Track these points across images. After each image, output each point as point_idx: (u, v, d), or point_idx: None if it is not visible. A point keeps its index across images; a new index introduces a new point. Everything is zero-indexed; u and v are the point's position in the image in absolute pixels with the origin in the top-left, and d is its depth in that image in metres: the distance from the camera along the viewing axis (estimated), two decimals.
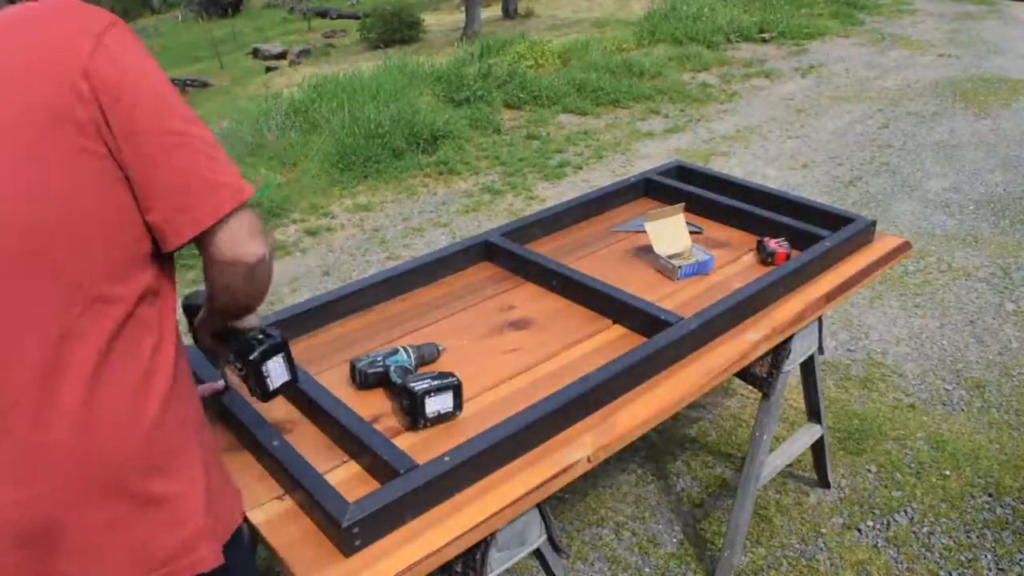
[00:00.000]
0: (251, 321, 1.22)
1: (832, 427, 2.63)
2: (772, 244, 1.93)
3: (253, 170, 5.16)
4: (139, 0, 27.94)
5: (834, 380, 2.91)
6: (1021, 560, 2.11)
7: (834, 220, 2.04)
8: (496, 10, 16.34)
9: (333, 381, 1.52)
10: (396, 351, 1.55)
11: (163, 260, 1.05)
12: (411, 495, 1.19)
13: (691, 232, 2.03)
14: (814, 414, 2.23)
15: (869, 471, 2.46)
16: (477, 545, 1.26)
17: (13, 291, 0.92)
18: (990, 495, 2.34)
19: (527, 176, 5.27)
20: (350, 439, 1.34)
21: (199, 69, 15.33)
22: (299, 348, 1.68)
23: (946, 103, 6.48)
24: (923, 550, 2.16)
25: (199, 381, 1.33)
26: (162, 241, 0.99)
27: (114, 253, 0.96)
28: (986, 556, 2.13)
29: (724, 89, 7.24)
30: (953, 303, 3.41)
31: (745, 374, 1.90)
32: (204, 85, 13.17)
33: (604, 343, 1.67)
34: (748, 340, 1.65)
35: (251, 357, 1.18)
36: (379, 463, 1.27)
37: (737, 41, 9.11)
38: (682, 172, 2.48)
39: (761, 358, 1.82)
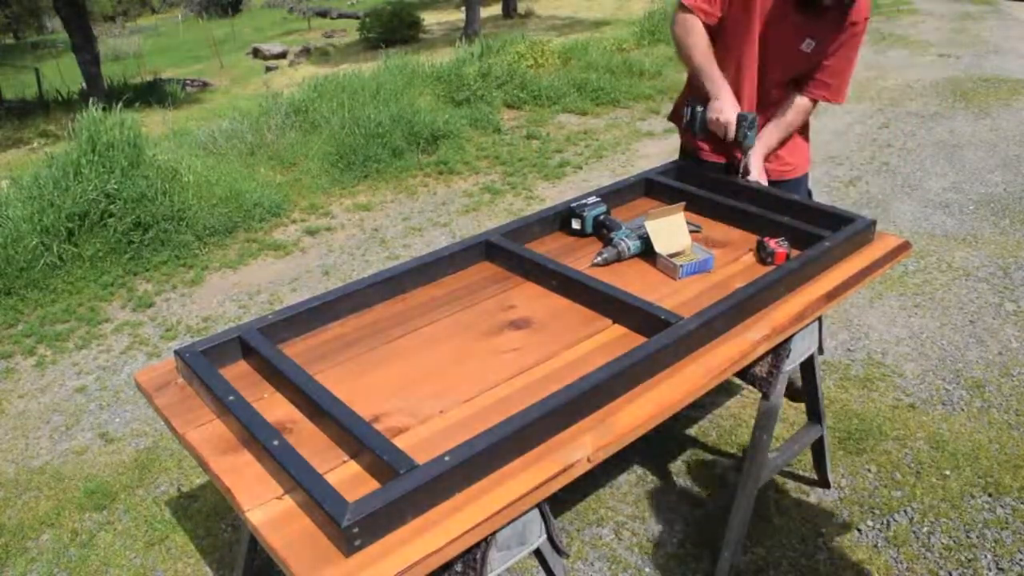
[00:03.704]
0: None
1: (832, 427, 2.63)
2: (772, 244, 1.93)
3: (253, 170, 5.16)
4: (139, 0, 27.95)
5: (834, 380, 2.91)
6: (1021, 560, 2.11)
7: (834, 220, 2.04)
8: (496, 10, 16.35)
9: (333, 381, 1.52)
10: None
11: None
12: (411, 495, 1.19)
13: (690, 231, 2.03)
14: (814, 414, 2.23)
15: (869, 471, 2.46)
16: (477, 545, 1.26)
17: None
18: (990, 495, 2.34)
19: (527, 176, 5.27)
20: (350, 439, 1.34)
21: (199, 69, 15.34)
22: (299, 348, 1.68)
23: (946, 103, 6.48)
24: (923, 550, 2.16)
25: None
26: None
27: None
28: (986, 556, 2.13)
29: None
30: (953, 303, 3.41)
31: (745, 374, 1.90)
32: (204, 85, 13.18)
33: (604, 343, 1.67)
34: (748, 340, 1.65)
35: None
36: (379, 463, 1.27)
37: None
38: (682, 172, 2.47)
39: (761, 358, 1.82)
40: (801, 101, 2.26)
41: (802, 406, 2.40)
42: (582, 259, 2.01)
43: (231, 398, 1.43)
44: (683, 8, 2.19)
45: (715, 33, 2.24)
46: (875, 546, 2.18)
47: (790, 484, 2.42)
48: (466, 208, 4.79)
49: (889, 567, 2.11)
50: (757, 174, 2.27)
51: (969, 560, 2.12)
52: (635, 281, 1.87)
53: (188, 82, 13.05)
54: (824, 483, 2.39)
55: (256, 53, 15.92)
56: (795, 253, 1.94)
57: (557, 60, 7.84)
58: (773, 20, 2.14)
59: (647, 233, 1.97)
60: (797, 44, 2.15)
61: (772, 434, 1.99)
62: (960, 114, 6.16)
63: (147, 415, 2.92)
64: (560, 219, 2.18)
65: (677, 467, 2.53)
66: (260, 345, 1.60)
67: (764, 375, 1.88)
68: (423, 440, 1.38)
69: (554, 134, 6.13)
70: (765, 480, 2.06)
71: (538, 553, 1.46)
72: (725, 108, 2.17)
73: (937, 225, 4.20)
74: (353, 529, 1.13)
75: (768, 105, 2.29)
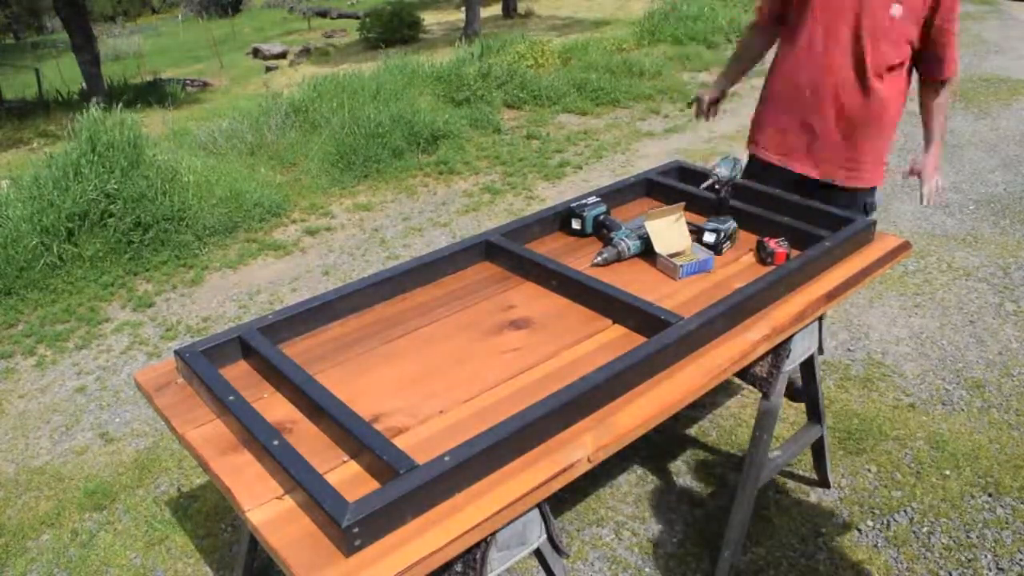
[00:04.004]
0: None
1: (832, 427, 2.63)
2: (772, 244, 1.93)
3: (253, 170, 5.16)
4: (139, 0, 27.95)
5: (834, 380, 2.91)
6: (1021, 560, 2.11)
7: (834, 220, 2.04)
8: (496, 10, 16.34)
9: (333, 381, 1.52)
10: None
11: None
12: (411, 495, 1.19)
13: (690, 231, 2.02)
14: (814, 414, 2.23)
15: (869, 471, 2.46)
16: (477, 545, 1.26)
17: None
18: (990, 495, 2.34)
19: (527, 176, 5.27)
20: (350, 439, 1.34)
21: (199, 69, 15.33)
22: (299, 348, 1.69)
23: None
24: (923, 550, 2.16)
25: None
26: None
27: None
28: (986, 556, 2.13)
29: None
30: (953, 303, 3.41)
31: (745, 374, 1.90)
32: (204, 85, 13.17)
33: (604, 343, 1.67)
34: (748, 340, 1.65)
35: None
36: (379, 463, 1.27)
37: (737, 41, 9.11)
38: (682, 172, 2.48)
39: (761, 358, 1.82)
40: (931, 97, 2.23)
41: (802, 406, 2.40)
42: (582, 259, 2.01)
43: (231, 398, 1.43)
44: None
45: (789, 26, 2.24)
46: (875, 546, 2.18)
47: (790, 484, 2.43)
48: (466, 208, 4.78)
49: (889, 567, 2.11)
50: (928, 193, 2.25)
51: (969, 560, 2.12)
52: (635, 281, 1.88)
53: (188, 82, 13.04)
54: (824, 483, 2.39)
55: (256, 53, 15.91)
56: (795, 253, 1.94)
57: (557, 60, 7.84)
58: None
59: (647, 233, 1.97)
60: (886, 10, 2.06)
61: (772, 434, 1.99)
62: (960, 114, 6.15)
63: (147, 415, 2.92)
64: (560, 219, 2.18)
65: (677, 467, 2.53)
66: (260, 345, 1.60)
67: (764, 375, 1.88)
68: (423, 440, 1.38)
69: (554, 134, 6.13)
70: (765, 480, 2.06)
71: (538, 553, 1.46)
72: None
73: (937, 225, 4.20)
74: (353, 529, 1.13)
75: (874, 102, 2.18)
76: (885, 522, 2.26)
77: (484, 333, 1.72)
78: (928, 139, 2.30)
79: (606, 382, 1.44)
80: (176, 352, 1.59)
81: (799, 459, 2.49)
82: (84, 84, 11.53)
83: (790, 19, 2.26)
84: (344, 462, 1.34)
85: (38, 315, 3.69)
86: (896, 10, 2.06)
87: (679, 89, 7.16)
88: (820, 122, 2.24)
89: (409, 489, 1.19)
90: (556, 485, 1.31)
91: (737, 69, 2.56)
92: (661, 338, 1.56)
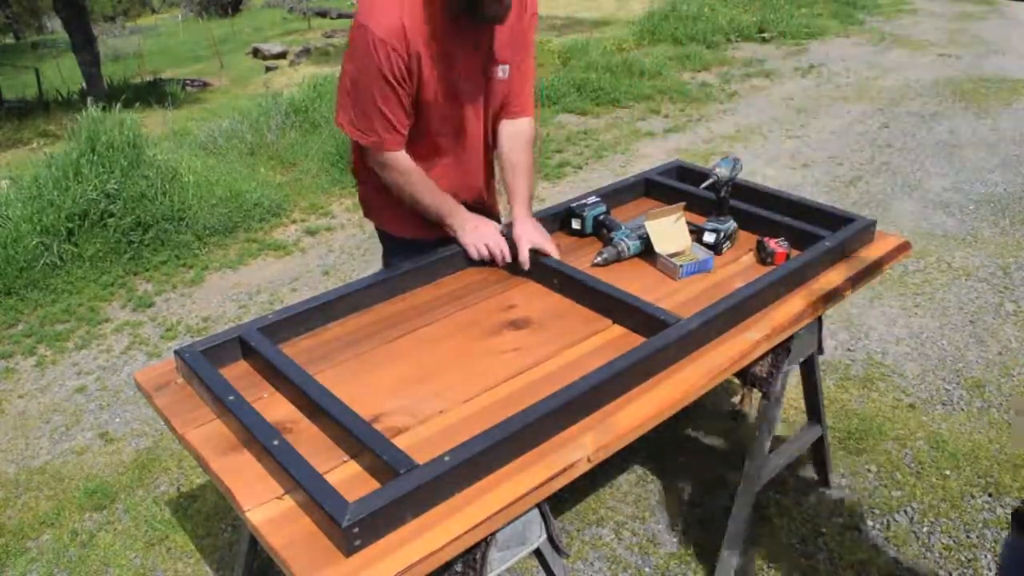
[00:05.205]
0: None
1: (832, 427, 2.63)
2: (772, 244, 1.93)
3: (253, 170, 5.16)
4: (139, 0, 27.93)
5: (834, 380, 2.91)
6: None
7: (834, 220, 2.04)
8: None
9: (333, 381, 1.52)
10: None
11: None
12: (411, 495, 1.19)
13: (690, 231, 2.02)
14: (814, 414, 2.23)
15: (869, 471, 2.46)
16: (477, 545, 1.26)
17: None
18: (990, 495, 2.34)
19: None
20: (350, 439, 1.34)
21: (199, 69, 15.33)
22: (299, 348, 1.68)
23: (946, 103, 6.48)
24: (923, 550, 2.16)
25: None
26: None
27: None
28: (986, 556, 2.13)
29: (724, 89, 7.24)
30: (953, 303, 3.41)
31: (745, 374, 1.90)
32: (204, 85, 13.17)
33: (604, 343, 1.67)
34: (748, 340, 1.65)
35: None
36: (379, 463, 1.27)
37: (737, 41, 9.11)
38: (682, 172, 2.48)
39: (761, 358, 1.82)
40: (516, 131, 2.07)
41: (802, 406, 2.40)
42: (582, 259, 2.00)
43: (231, 398, 1.43)
44: (377, 150, 1.85)
45: (422, 128, 1.88)
46: (875, 546, 2.18)
47: (790, 484, 2.42)
48: None
49: (889, 567, 2.11)
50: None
51: (969, 560, 2.12)
52: (635, 281, 1.87)
53: (188, 82, 13.04)
54: (824, 483, 2.39)
55: (256, 53, 15.90)
56: (795, 253, 1.94)
57: (557, 60, 7.84)
58: (467, 71, 1.84)
59: (647, 233, 1.97)
60: (496, 76, 1.90)
61: (772, 434, 1.99)
62: (960, 114, 6.15)
63: (147, 415, 2.92)
64: (560, 219, 2.18)
65: (677, 467, 2.53)
66: (260, 345, 1.60)
67: (764, 375, 1.88)
68: (423, 440, 1.38)
69: (554, 134, 6.13)
70: (765, 480, 2.06)
71: (538, 553, 1.46)
72: (489, 231, 1.96)
73: (937, 225, 4.20)
74: (353, 529, 1.13)
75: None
76: (885, 522, 2.26)
77: (484, 333, 1.72)
78: (518, 190, 2.04)
79: (606, 382, 1.44)
80: (176, 352, 1.59)
81: (799, 459, 2.49)
82: (84, 84, 11.53)
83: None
84: (344, 462, 1.34)
85: (38, 315, 3.69)
86: (503, 71, 1.90)
87: (679, 89, 7.16)
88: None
89: (409, 489, 1.19)
90: (556, 485, 1.31)
91: None
92: (661, 338, 1.55)
